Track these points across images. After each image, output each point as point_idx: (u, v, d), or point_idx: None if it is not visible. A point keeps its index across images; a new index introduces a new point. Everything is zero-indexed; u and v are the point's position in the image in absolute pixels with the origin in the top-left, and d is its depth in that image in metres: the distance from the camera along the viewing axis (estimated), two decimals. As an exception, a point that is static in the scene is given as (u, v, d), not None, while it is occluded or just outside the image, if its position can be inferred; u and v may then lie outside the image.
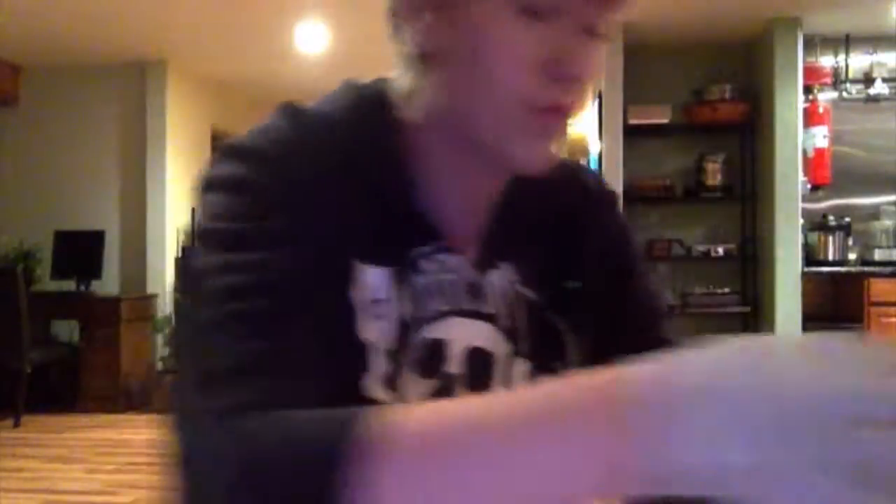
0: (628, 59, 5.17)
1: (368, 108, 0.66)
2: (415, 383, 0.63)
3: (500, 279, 0.69)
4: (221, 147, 0.64)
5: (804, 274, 4.98)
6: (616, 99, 5.18)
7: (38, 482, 4.08)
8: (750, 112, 5.27)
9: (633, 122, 5.26)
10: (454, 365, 0.66)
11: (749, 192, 5.38)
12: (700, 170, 5.37)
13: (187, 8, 4.90)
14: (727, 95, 5.26)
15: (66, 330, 5.88)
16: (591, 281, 0.73)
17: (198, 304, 0.57)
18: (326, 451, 0.43)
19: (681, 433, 0.37)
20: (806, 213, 5.09)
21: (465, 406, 0.46)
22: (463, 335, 0.67)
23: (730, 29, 5.20)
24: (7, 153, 6.21)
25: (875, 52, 5.23)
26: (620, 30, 5.13)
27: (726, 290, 5.32)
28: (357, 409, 0.46)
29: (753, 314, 5.30)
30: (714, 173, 5.33)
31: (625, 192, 5.17)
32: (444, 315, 0.66)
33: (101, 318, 5.63)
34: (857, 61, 5.26)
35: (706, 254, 5.33)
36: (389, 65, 0.65)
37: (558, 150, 0.65)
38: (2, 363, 4.95)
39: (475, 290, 0.68)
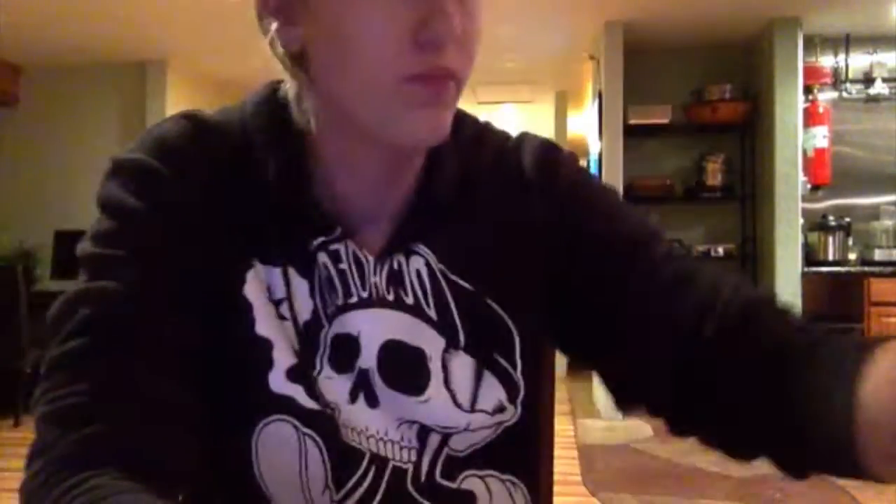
0: (628, 59, 5.17)
1: (258, 113, 0.66)
2: (333, 380, 0.63)
3: (422, 267, 0.66)
4: (110, 161, 0.64)
5: (804, 274, 4.98)
6: (616, 99, 5.18)
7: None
8: (750, 112, 5.27)
9: (633, 122, 5.26)
10: (368, 360, 0.64)
11: (749, 192, 5.38)
12: (700, 170, 5.37)
13: (187, 8, 4.90)
14: (727, 95, 5.26)
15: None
16: (532, 269, 0.68)
17: (54, 336, 0.57)
18: None
19: None
20: (806, 213, 5.09)
21: None
22: (374, 327, 0.64)
23: (730, 29, 5.20)
24: (7, 153, 6.21)
25: (875, 51, 5.23)
26: (621, 30, 5.14)
27: (726, 290, 5.31)
28: None
29: (753, 314, 5.29)
30: (714, 173, 5.34)
31: (625, 192, 5.17)
32: (350, 308, 0.64)
33: (101, 318, 5.62)
34: (857, 61, 5.26)
35: (706, 254, 5.33)
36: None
37: (450, 118, 0.60)
38: (2, 363, 4.94)
39: (391, 278, 0.65)
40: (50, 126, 6.19)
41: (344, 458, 0.63)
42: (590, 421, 4.97)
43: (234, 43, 5.74)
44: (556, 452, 0.88)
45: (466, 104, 0.63)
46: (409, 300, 0.65)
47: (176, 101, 6.18)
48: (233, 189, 0.64)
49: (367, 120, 0.59)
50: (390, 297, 0.65)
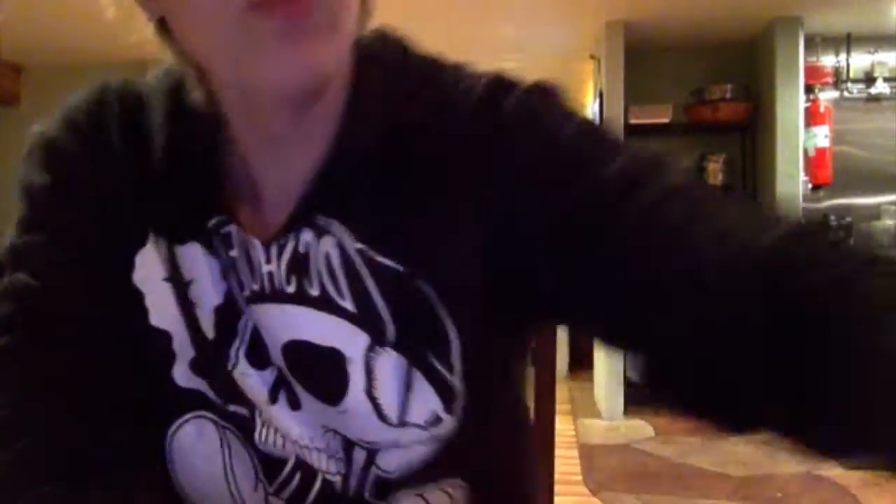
0: (629, 59, 5.16)
1: (159, 83, 0.61)
2: (251, 377, 0.56)
3: (332, 249, 0.54)
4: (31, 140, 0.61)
5: (805, 274, 4.97)
6: (617, 99, 5.18)
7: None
8: (751, 112, 5.26)
9: (633, 121, 5.25)
10: (276, 359, 0.55)
11: (750, 191, 5.37)
12: (701, 169, 5.36)
13: (188, 8, 4.90)
14: (728, 95, 5.25)
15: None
16: (464, 241, 0.53)
17: None
18: None
19: None
20: (807, 213, 5.08)
21: None
22: (273, 326, 0.55)
23: (731, 28, 5.19)
24: (8, 153, 6.21)
25: (876, 51, 5.23)
26: (622, 30, 5.13)
27: (727, 289, 5.31)
28: None
29: (754, 314, 5.29)
30: (715, 173, 5.33)
31: (626, 191, 5.17)
32: (250, 300, 0.55)
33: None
34: (859, 61, 5.25)
35: (707, 253, 5.32)
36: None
37: (324, 54, 0.47)
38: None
39: (293, 265, 0.54)
40: (51, 126, 6.20)
41: (268, 458, 0.57)
42: (590, 421, 4.97)
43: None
44: (557, 452, 0.87)
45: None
46: (314, 292, 0.54)
47: (177, 101, 6.19)
48: (134, 161, 0.57)
49: (222, 70, 0.50)
50: (290, 289, 0.54)
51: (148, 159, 0.57)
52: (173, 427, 0.57)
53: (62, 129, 0.59)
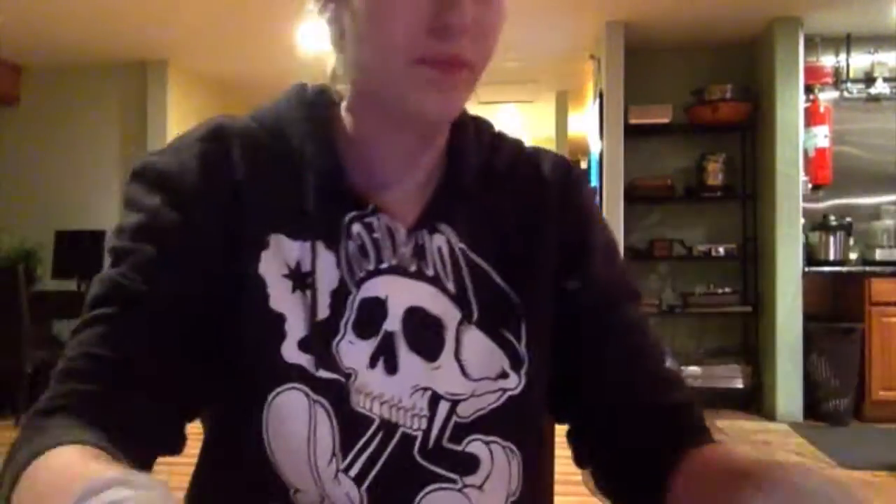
0: (629, 59, 5.17)
1: (300, 102, 0.74)
2: (355, 346, 0.68)
3: (443, 244, 0.72)
4: (133, 166, 0.72)
5: (805, 274, 4.98)
6: (617, 99, 5.18)
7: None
8: (751, 112, 5.26)
9: (633, 121, 5.26)
10: (393, 322, 0.69)
11: (750, 191, 5.38)
12: (701, 169, 5.37)
13: (188, 7, 4.89)
14: (728, 95, 5.26)
15: (68, 330, 5.85)
16: (545, 263, 0.74)
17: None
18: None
19: None
20: (807, 213, 5.08)
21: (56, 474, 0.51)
22: (400, 293, 0.70)
23: (731, 29, 5.20)
24: (7, 153, 6.21)
25: (876, 51, 5.23)
26: (622, 29, 5.14)
27: (727, 289, 5.32)
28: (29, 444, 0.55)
29: (754, 314, 5.30)
30: (715, 173, 5.33)
31: (626, 191, 5.18)
32: (377, 273, 0.70)
33: (102, 317, 5.60)
34: (858, 61, 5.26)
35: (707, 253, 5.33)
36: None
37: (460, 101, 0.66)
38: (2, 363, 4.94)
39: (415, 251, 0.71)
40: (50, 126, 6.19)
41: (352, 424, 0.67)
42: (590, 421, 4.96)
43: (235, 43, 5.74)
44: (557, 452, 0.87)
45: (468, 104, 0.65)
46: (430, 272, 0.71)
47: (176, 101, 6.18)
48: (259, 179, 0.71)
49: (386, 95, 0.67)
50: (413, 269, 0.71)
51: (284, 173, 0.71)
52: (271, 397, 0.66)
53: (174, 157, 0.70)
